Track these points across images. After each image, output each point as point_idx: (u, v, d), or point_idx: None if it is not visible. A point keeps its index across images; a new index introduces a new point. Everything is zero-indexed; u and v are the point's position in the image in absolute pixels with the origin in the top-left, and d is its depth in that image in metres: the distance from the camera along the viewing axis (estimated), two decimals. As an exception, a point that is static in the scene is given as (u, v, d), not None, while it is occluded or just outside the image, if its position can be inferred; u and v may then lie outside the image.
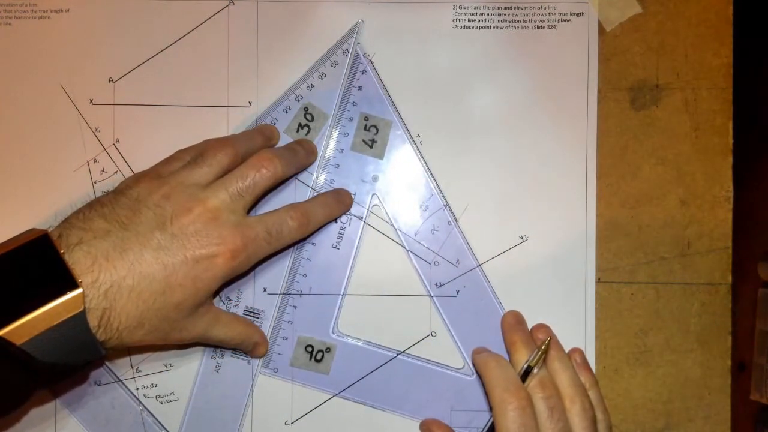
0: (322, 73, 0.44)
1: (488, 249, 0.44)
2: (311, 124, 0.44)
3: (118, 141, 0.44)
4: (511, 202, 0.44)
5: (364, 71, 0.44)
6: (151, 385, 0.43)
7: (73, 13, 0.44)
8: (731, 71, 0.44)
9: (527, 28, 0.44)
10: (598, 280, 0.44)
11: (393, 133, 0.44)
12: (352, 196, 0.44)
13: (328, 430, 0.44)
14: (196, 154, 0.40)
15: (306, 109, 0.44)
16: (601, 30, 0.44)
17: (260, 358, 0.43)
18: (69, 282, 0.32)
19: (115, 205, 0.36)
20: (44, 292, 0.32)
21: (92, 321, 0.33)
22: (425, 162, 0.44)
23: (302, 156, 0.43)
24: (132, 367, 0.43)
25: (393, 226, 0.44)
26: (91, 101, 0.44)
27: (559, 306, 0.44)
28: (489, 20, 0.44)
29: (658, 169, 0.44)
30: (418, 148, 0.44)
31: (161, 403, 0.43)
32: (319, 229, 0.43)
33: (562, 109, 0.44)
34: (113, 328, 0.34)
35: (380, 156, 0.45)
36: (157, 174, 0.38)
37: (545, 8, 0.44)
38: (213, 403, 0.44)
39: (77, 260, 0.33)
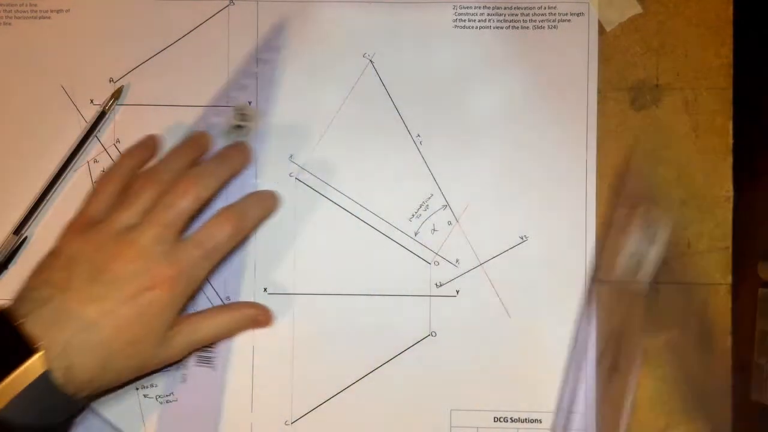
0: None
1: (488, 249, 0.44)
2: (311, 124, 0.44)
3: (118, 141, 0.44)
4: (511, 202, 0.44)
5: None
6: (151, 385, 0.43)
7: (73, 13, 0.45)
8: (731, 71, 0.44)
9: (527, 28, 0.44)
10: (598, 280, 0.44)
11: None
12: (277, 195, 0.43)
13: (328, 430, 0.44)
14: (121, 190, 0.40)
15: (306, 109, 0.44)
16: (601, 30, 0.44)
17: (269, 326, 0.43)
18: (28, 349, 0.34)
19: (52, 270, 0.37)
20: (8, 362, 0.34)
21: (58, 379, 0.35)
22: (425, 162, 0.44)
23: (235, 162, 0.42)
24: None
25: (393, 226, 0.44)
26: (91, 101, 0.44)
27: (559, 306, 0.44)
28: (489, 20, 0.44)
29: (658, 169, 0.44)
30: (418, 148, 0.44)
31: (161, 404, 0.43)
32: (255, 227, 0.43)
33: (562, 109, 0.44)
34: (78, 380, 0.36)
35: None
36: (88, 222, 0.39)
37: (545, 8, 0.44)
38: (212, 403, 0.44)
39: (31, 328, 0.35)
